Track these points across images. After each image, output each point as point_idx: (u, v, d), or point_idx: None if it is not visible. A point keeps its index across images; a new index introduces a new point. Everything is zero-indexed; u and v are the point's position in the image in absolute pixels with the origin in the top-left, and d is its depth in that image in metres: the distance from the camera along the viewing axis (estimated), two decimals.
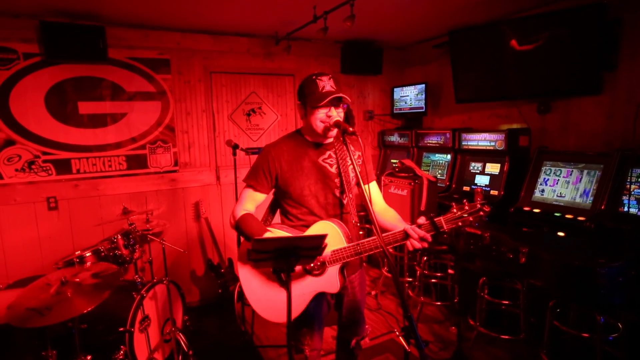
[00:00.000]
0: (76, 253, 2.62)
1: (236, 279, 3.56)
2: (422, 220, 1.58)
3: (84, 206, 3.37)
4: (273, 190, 1.85)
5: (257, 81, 4.06)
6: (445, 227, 1.56)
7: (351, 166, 1.81)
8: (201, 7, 2.95)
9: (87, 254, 2.61)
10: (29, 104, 3.12)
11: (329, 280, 1.70)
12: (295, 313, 1.69)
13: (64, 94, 3.23)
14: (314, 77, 1.70)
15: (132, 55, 3.45)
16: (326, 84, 1.68)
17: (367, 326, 2.01)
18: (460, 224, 1.55)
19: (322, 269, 1.69)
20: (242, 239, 1.79)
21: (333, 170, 1.80)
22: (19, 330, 2.16)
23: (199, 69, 3.75)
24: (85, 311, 1.87)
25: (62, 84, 3.21)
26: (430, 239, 1.56)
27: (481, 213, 1.53)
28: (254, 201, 1.80)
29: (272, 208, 1.96)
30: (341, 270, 1.71)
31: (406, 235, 1.58)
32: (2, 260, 3.10)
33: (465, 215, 1.54)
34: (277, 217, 1.94)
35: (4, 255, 3.11)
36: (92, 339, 2.35)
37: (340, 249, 1.66)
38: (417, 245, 1.56)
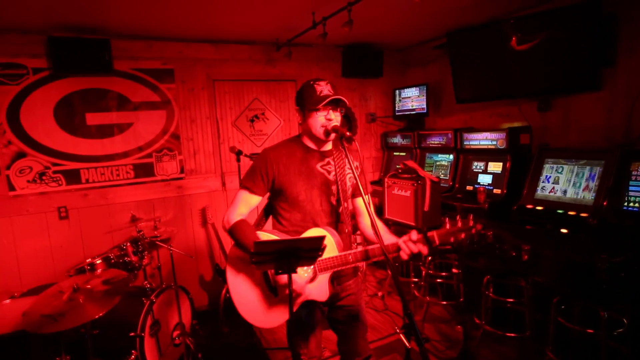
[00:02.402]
0: (87, 261, 2.69)
1: None
2: (414, 236, 1.61)
3: (93, 215, 3.45)
4: (268, 194, 1.83)
5: (259, 87, 4.12)
6: (437, 242, 1.60)
7: (349, 175, 1.82)
8: (204, 16, 3.02)
9: (98, 262, 2.68)
10: (38, 117, 3.21)
11: (319, 288, 1.71)
12: (282, 319, 1.74)
13: (72, 107, 3.32)
14: (311, 82, 1.74)
15: (136, 66, 3.53)
16: (324, 88, 1.70)
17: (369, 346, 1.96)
18: (452, 239, 1.58)
19: (313, 274, 1.70)
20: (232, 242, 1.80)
21: (331, 177, 1.80)
22: (34, 336, 2.22)
23: (202, 77, 3.83)
24: (96, 317, 1.94)
25: (70, 97, 3.31)
26: (425, 252, 1.59)
27: (473, 231, 1.57)
28: (248, 205, 1.78)
29: (266, 212, 1.95)
30: (331, 280, 1.73)
31: (398, 249, 1.63)
32: (16, 269, 3.19)
33: (457, 231, 1.58)
34: (269, 223, 1.92)
35: (18, 265, 3.20)
36: (104, 344, 2.42)
37: (329, 258, 1.67)
38: (406, 257, 1.62)
